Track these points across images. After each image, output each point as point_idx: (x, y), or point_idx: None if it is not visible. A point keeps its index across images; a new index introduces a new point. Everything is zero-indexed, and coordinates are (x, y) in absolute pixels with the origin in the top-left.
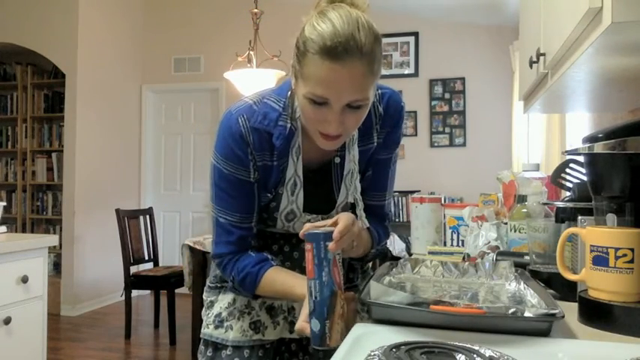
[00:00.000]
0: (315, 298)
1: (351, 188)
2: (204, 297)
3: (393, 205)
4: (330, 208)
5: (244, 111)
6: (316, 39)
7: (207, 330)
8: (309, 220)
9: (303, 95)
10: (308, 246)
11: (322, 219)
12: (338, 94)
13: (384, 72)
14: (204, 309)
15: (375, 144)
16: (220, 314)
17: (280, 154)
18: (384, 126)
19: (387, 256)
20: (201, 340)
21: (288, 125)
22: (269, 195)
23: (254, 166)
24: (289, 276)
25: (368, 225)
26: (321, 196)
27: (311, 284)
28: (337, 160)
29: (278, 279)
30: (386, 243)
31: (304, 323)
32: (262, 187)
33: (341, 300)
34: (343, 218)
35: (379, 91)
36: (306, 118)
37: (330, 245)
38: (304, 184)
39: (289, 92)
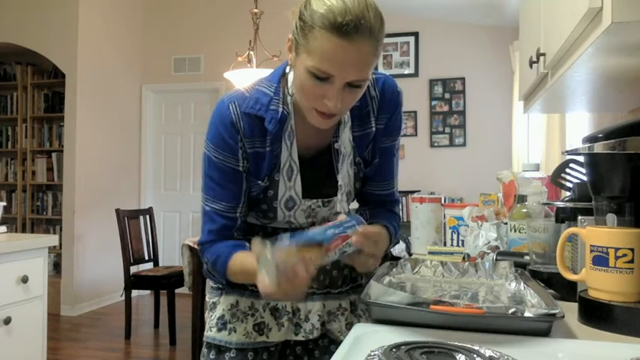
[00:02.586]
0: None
1: (351, 173)
2: (206, 298)
3: None
4: (332, 193)
5: (236, 98)
6: (326, 13)
7: (210, 333)
8: (309, 207)
9: (306, 68)
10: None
11: (323, 204)
12: (343, 71)
13: (384, 71)
14: (207, 311)
15: (374, 129)
16: (223, 316)
17: (273, 139)
18: (382, 111)
19: (387, 256)
20: (204, 343)
21: (280, 109)
22: (261, 183)
23: (243, 154)
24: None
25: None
26: (320, 182)
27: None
28: (337, 145)
29: (248, 257)
30: (398, 237)
31: None
32: (254, 175)
33: (299, 256)
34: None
35: (373, 76)
36: (303, 94)
37: (354, 238)
38: (302, 170)
39: (281, 77)
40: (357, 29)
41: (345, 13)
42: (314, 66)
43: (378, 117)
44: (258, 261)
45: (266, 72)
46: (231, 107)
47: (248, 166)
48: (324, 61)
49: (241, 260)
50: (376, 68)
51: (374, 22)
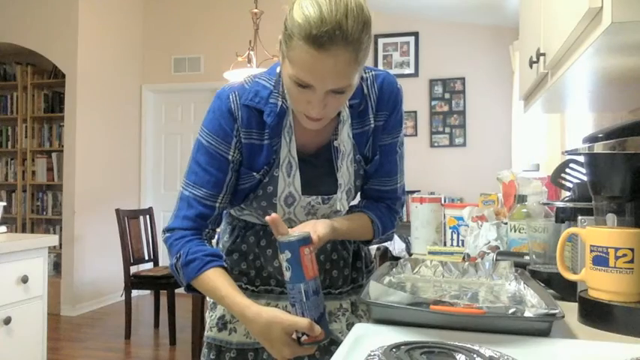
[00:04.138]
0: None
1: (351, 171)
2: (207, 298)
3: None
4: (331, 190)
5: (236, 89)
6: (302, 24)
7: (211, 333)
8: (309, 203)
9: (289, 76)
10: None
11: (323, 201)
12: (322, 81)
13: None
14: (207, 311)
15: (373, 126)
16: (224, 316)
17: (272, 133)
18: (381, 108)
19: (387, 256)
20: (205, 344)
21: (280, 103)
22: (256, 174)
23: (237, 144)
24: (234, 285)
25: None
26: (320, 179)
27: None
28: (336, 143)
29: (220, 279)
30: (393, 233)
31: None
32: (248, 166)
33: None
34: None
35: (373, 73)
36: (290, 99)
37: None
38: (302, 167)
39: (280, 71)
40: (332, 40)
41: (320, 25)
42: (294, 75)
43: (377, 114)
44: None
45: None
46: (231, 96)
47: (240, 158)
48: (302, 72)
49: (213, 284)
50: (376, 67)
51: (352, 29)
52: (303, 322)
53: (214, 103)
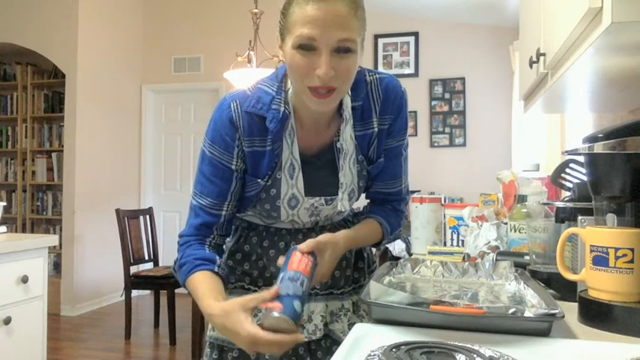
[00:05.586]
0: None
1: (354, 172)
2: None
3: None
4: (334, 191)
5: (238, 96)
6: None
7: (213, 332)
8: (312, 205)
9: (291, 46)
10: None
11: (326, 202)
12: (324, 31)
13: (384, 71)
14: None
15: (377, 130)
16: None
17: (274, 138)
18: (386, 112)
19: (387, 256)
20: (207, 343)
21: (282, 109)
22: (260, 181)
23: (239, 153)
24: (213, 288)
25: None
26: (323, 180)
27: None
28: (339, 144)
29: (203, 282)
30: (400, 231)
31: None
32: (253, 174)
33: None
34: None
35: (377, 76)
36: (295, 73)
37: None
38: (304, 168)
39: (283, 77)
40: None
41: None
42: (296, 36)
43: (381, 117)
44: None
45: (266, 72)
46: (232, 105)
47: (244, 166)
48: (304, 27)
49: (195, 286)
50: (376, 68)
51: None
52: (260, 294)
53: (215, 113)
